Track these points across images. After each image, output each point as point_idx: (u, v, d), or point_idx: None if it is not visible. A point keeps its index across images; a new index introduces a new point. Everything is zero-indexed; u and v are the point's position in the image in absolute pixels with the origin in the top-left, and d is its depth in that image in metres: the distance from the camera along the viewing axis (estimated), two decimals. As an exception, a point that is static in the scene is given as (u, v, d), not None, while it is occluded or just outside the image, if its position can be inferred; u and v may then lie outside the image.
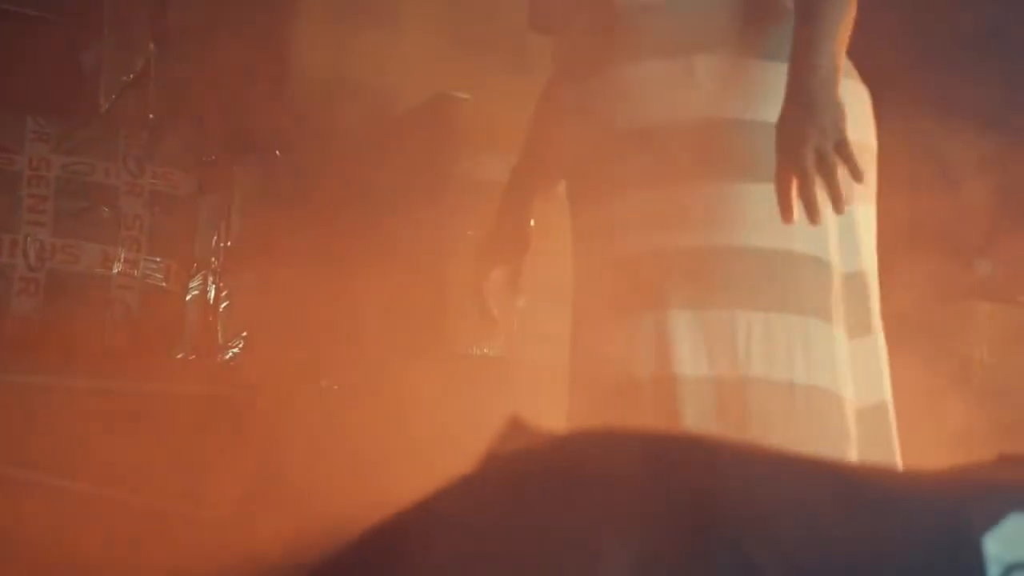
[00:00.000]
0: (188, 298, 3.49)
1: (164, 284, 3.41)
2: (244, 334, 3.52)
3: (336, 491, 2.98)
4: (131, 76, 3.58)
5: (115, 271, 3.36)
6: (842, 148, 1.95)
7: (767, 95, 2.07)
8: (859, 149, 2.09)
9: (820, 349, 2.08)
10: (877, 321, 2.20)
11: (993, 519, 1.02)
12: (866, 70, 2.29)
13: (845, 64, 2.17)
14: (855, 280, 2.16)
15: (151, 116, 3.56)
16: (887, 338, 2.26)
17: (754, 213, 2.05)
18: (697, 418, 2.04)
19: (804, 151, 1.94)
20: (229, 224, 3.56)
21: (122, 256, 3.37)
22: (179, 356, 3.45)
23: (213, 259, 3.53)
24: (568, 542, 1.06)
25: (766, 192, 2.00)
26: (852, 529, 1.04)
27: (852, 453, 2.04)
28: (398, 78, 3.60)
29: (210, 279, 3.52)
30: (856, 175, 1.95)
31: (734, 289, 2.06)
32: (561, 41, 2.26)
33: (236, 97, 3.59)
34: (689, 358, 2.07)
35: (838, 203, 1.95)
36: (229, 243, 3.55)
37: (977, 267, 4.08)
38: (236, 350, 3.51)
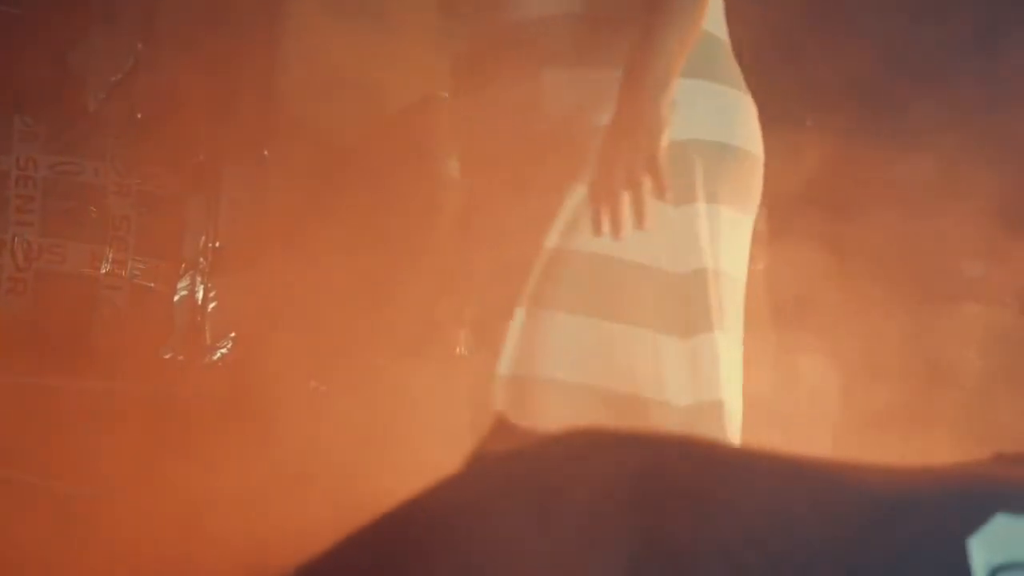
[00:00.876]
0: (176, 298, 3.48)
1: (152, 284, 3.41)
2: (232, 335, 3.52)
3: (324, 492, 2.98)
4: (119, 76, 3.58)
5: (103, 271, 3.36)
6: (652, 164, 1.99)
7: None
8: (743, 158, 2.17)
9: (629, 354, 2.12)
10: (723, 320, 2.21)
11: (979, 520, 1.02)
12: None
13: (732, 75, 2.23)
14: (699, 278, 2.18)
15: (139, 116, 3.55)
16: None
17: (586, 219, 2.10)
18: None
19: (614, 167, 1.99)
20: (217, 224, 3.56)
21: (110, 256, 3.36)
22: (167, 356, 3.45)
23: (201, 259, 3.53)
24: (557, 541, 1.06)
25: None
26: (838, 529, 1.04)
27: None
28: (387, 79, 3.60)
29: (198, 279, 3.52)
30: (659, 192, 2.00)
31: (560, 293, 2.11)
32: (455, 57, 2.31)
33: (224, 97, 3.59)
34: (509, 359, 2.13)
35: (640, 220, 2.00)
36: (217, 243, 3.55)
37: (966, 269, 4.08)
38: (224, 351, 3.51)
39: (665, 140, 2.01)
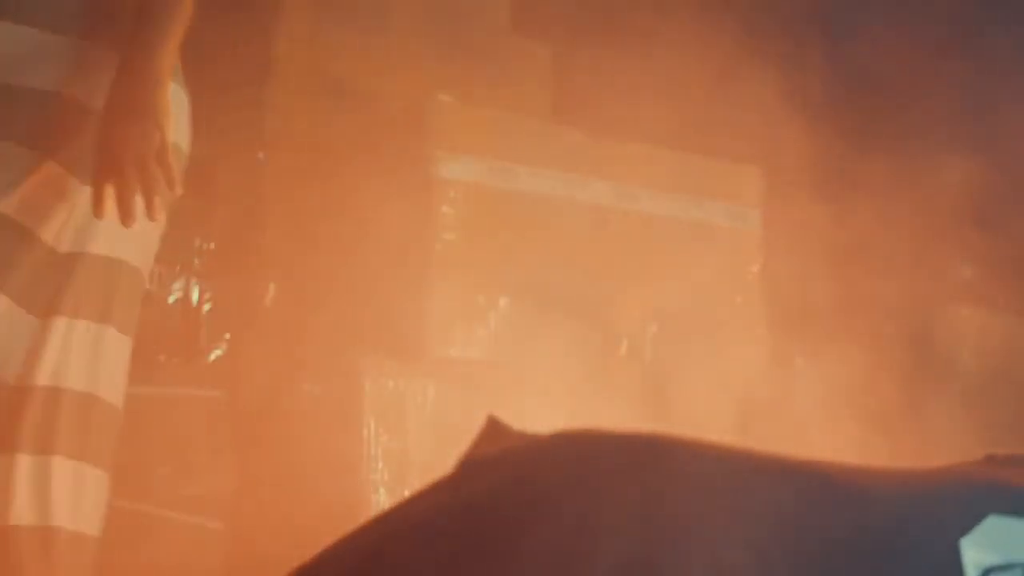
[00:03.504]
0: (171, 300, 3.48)
1: (146, 286, 3.40)
2: (227, 336, 3.52)
3: (318, 494, 2.98)
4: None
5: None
6: (162, 156, 2.00)
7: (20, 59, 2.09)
8: (171, 151, 2.13)
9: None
10: (82, 307, 2.20)
11: (971, 521, 1.02)
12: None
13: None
14: (77, 261, 2.16)
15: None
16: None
17: None
18: None
19: (124, 157, 1.98)
20: (212, 226, 3.55)
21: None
22: (161, 358, 3.45)
23: (196, 261, 3.53)
24: (546, 543, 1.06)
25: None
26: (830, 529, 1.04)
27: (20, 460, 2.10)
28: (381, 80, 3.60)
29: (192, 281, 3.52)
30: (171, 185, 2.00)
31: None
32: None
33: (219, 99, 3.59)
34: None
35: (151, 211, 2.01)
36: (212, 245, 3.55)
37: (959, 271, 4.09)
38: (219, 352, 3.51)
39: (170, 134, 2.01)
